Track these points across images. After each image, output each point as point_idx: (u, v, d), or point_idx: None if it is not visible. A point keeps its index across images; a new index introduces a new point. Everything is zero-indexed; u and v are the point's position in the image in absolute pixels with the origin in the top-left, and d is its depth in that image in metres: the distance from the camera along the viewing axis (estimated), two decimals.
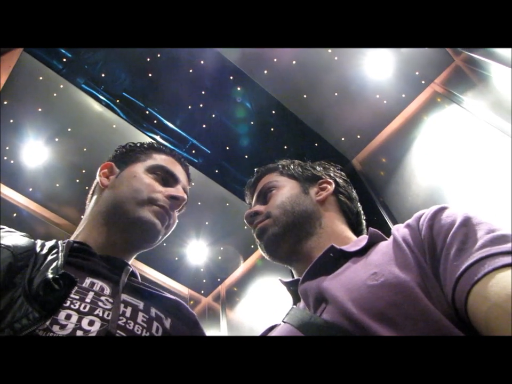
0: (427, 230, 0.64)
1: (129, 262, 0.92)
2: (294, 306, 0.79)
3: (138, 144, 1.05)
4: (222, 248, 3.58)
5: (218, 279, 3.73)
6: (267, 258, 0.92)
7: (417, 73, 2.66)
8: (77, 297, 0.71)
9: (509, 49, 2.23)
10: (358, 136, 2.92)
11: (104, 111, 2.74)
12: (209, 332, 3.48)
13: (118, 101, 2.70)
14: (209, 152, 3.02)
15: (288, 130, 2.89)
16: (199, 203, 3.20)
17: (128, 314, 0.75)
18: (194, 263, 3.57)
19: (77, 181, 2.85)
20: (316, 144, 2.92)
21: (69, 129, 2.71)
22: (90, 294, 0.74)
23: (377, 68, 2.65)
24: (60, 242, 0.83)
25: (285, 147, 2.95)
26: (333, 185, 0.97)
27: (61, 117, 2.68)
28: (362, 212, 1.00)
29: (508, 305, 0.47)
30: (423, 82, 2.69)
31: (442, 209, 0.67)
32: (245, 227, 3.66)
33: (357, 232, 0.96)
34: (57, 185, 2.89)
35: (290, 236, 0.87)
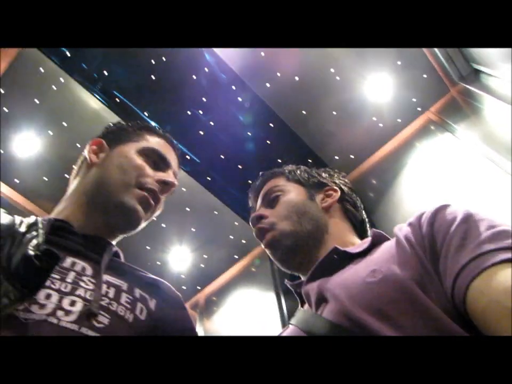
0: (428, 227, 0.64)
1: (113, 242, 0.89)
2: (301, 308, 0.80)
3: (130, 124, 1.00)
4: (205, 256, 3.55)
5: (198, 287, 3.69)
6: (279, 267, 0.91)
7: (414, 100, 2.73)
8: (58, 276, 0.68)
9: (502, 81, 2.32)
10: (352, 156, 2.97)
11: (102, 109, 2.71)
12: None
13: (117, 100, 2.69)
14: (198, 161, 3.01)
15: (284, 144, 2.91)
16: (188, 209, 3.18)
17: (111, 295, 0.73)
18: (176, 269, 3.53)
19: (66, 176, 2.79)
20: (310, 161, 2.95)
21: (64, 124, 2.67)
22: (72, 274, 0.71)
23: (377, 91, 2.71)
24: (39, 219, 0.78)
25: (279, 161, 2.97)
26: (339, 193, 0.96)
27: (57, 111, 2.63)
28: (367, 220, 1.00)
29: (506, 300, 0.47)
30: (419, 109, 2.76)
31: (444, 207, 0.67)
32: (231, 236, 3.65)
33: (363, 239, 0.94)
34: (46, 178, 2.84)
35: (302, 246, 0.87)
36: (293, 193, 0.94)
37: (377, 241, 0.78)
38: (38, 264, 0.64)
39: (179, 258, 3.48)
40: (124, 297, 0.75)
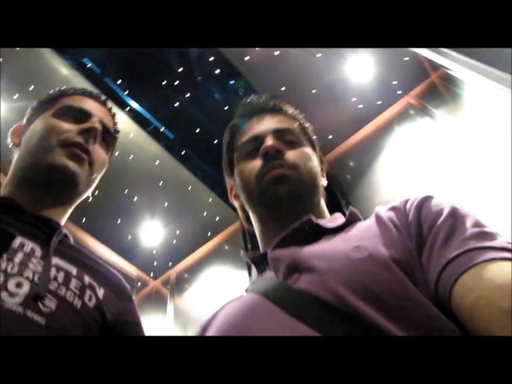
0: (414, 216, 0.64)
1: (63, 220, 0.88)
2: (259, 277, 0.76)
3: (46, 94, 0.97)
4: (177, 232, 3.50)
5: (170, 263, 3.65)
6: (268, 203, 0.82)
7: (395, 82, 2.70)
8: (4, 256, 0.66)
9: (484, 68, 2.31)
10: (330, 137, 2.94)
11: (72, 76, 2.58)
12: (155, 315, 3.41)
13: (87, 66, 2.56)
14: (171, 137, 2.94)
15: None
16: (161, 183, 3.10)
17: (60, 279, 0.71)
18: (148, 244, 3.47)
19: None
20: None
21: (31, 88, 2.53)
22: (20, 255, 0.69)
23: (358, 71, 2.66)
24: None
25: None
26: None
27: (23, 73, 2.49)
28: None
29: (494, 297, 0.48)
30: (399, 92, 2.73)
31: (429, 197, 0.67)
32: (204, 213, 3.60)
33: None
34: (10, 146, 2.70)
35: (306, 199, 0.83)
36: (310, 153, 0.89)
37: (352, 219, 0.78)
38: None
39: (151, 232, 3.43)
40: (74, 283, 0.73)
